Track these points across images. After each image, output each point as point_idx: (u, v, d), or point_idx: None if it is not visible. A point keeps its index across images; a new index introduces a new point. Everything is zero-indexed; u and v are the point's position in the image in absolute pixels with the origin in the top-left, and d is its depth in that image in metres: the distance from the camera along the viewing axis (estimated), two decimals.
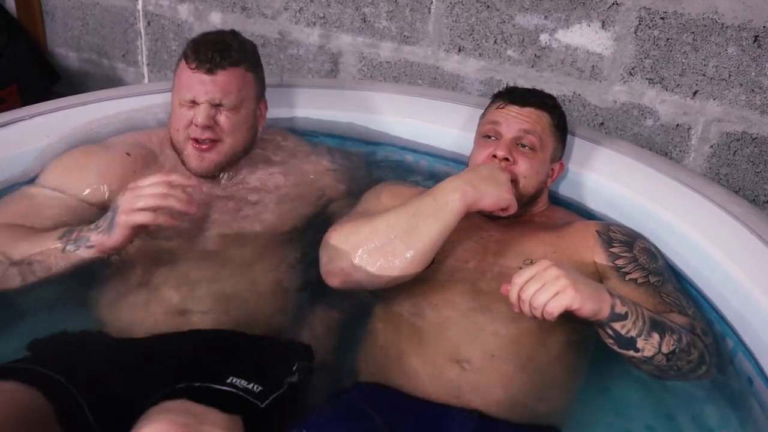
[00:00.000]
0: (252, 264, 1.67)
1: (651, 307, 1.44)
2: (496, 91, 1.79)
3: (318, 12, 2.51)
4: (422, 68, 2.47)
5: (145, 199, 1.41)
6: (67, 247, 1.46)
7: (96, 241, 1.45)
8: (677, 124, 2.23)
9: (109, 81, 2.97)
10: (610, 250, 1.57)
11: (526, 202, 1.66)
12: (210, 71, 1.62)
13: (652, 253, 1.62)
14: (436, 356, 1.43)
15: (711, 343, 1.44)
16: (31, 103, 2.01)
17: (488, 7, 2.30)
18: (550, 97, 1.76)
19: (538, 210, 1.73)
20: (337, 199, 1.87)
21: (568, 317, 1.34)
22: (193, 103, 1.64)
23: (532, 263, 1.48)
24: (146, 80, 2.93)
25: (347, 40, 2.52)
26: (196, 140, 1.66)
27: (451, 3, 2.34)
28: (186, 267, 1.60)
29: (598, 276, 1.56)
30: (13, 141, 1.81)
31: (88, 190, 1.65)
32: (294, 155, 1.89)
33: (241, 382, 1.26)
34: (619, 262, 1.56)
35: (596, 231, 1.62)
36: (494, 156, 1.61)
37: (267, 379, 1.29)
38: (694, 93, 2.17)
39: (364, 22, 2.47)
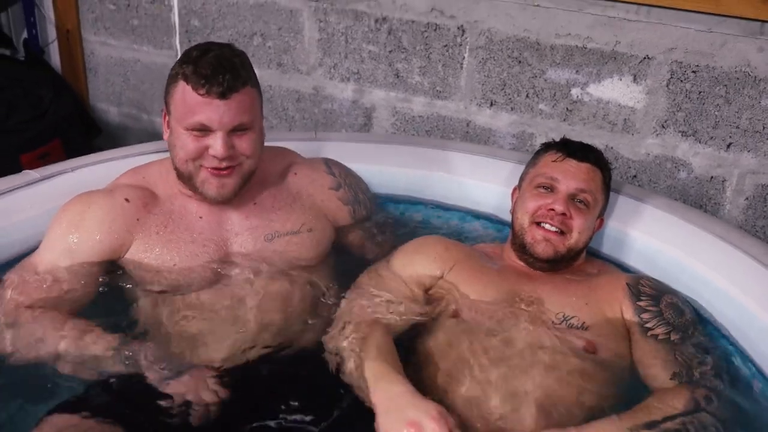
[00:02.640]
0: (285, 298, 1.67)
1: (660, 365, 1.50)
2: (544, 143, 1.81)
3: (352, 68, 2.56)
4: (454, 122, 2.50)
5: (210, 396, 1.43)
6: (117, 363, 1.46)
7: (148, 375, 1.45)
8: (711, 177, 2.23)
9: (149, 134, 3.04)
10: (638, 303, 1.60)
11: (572, 257, 1.69)
12: (223, 96, 1.52)
13: (679, 308, 1.63)
14: (463, 409, 1.43)
15: (717, 407, 1.41)
16: (73, 157, 2.06)
17: (520, 62, 2.33)
18: (602, 153, 1.78)
19: (576, 264, 1.74)
20: (345, 226, 1.86)
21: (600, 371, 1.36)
22: (206, 131, 1.56)
23: (564, 317, 1.56)
24: None
25: (380, 94, 2.57)
26: (213, 168, 1.59)
27: (483, 58, 2.37)
28: (225, 312, 1.62)
29: (625, 327, 1.59)
30: (57, 194, 1.86)
31: (96, 248, 1.62)
32: (295, 174, 1.83)
33: (292, 417, 1.31)
34: (645, 316, 1.59)
35: (626, 284, 1.64)
36: (551, 209, 1.64)
37: (316, 407, 1.33)
38: (728, 145, 2.17)
39: (397, 77, 2.51)
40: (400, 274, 1.68)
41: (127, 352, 1.46)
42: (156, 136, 3.04)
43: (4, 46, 2.96)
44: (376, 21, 2.46)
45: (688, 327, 1.59)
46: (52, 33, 3.06)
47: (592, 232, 1.72)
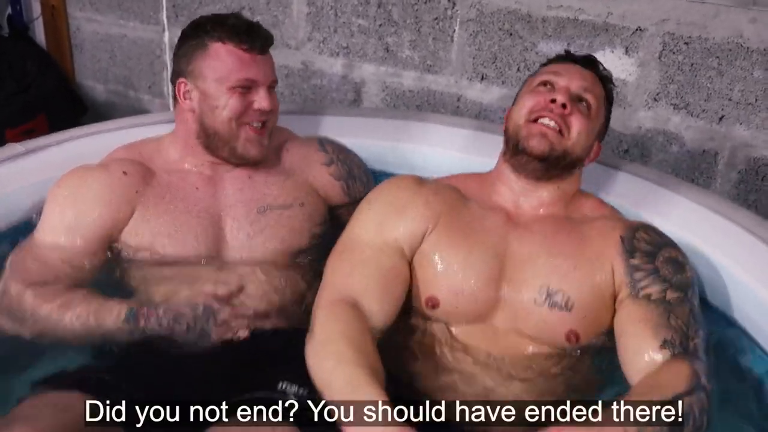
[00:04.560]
0: (279, 273, 1.66)
1: (651, 328, 1.34)
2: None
3: (341, 42, 2.54)
4: (445, 97, 2.48)
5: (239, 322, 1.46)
6: (135, 332, 1.45)
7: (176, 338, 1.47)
8: (703, 150, 2.22)
9: (135, 112, 3.01)
10: (631, 261, 1.45)
11: (567, 164, 1.50)
12: (262, 51, 1.63)
13: (679, 263, 1.47)
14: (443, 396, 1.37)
15: (713, 384, 1.31)
16: None
17: (511, 35, 2.31)
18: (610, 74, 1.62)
19: (568, 196, 1.55)
20: (339, 205, 1.85)
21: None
22: (248, 87, 1.61)
23: (548, 293, 1.43)
24: (172, 110, 2.97)
25: (370, 69, 2.54)
26: (255, 126, 1.63)
27: (473, 31, 2.35)
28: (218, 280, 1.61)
29: (614, 294, 1.45)
30: (42, 167, 1.84)
31: (97, 222, 1.62)
32: (288, 151, 1.84)
33: (291, 387, 1.29)
34: (637, 275, 1.43)
35: (620, 237, 1.47)
36: (552, 101, 1.46)
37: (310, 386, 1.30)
38: (720, 118, 2.16)
39: (387, 51, 2.49)
40: (375, 241, 1.47)
41: (140, 324, 1.46)
42: (142, 113, 3.02)
43: None
44: None
45: (688, 286, 1.43)
46: (36, 9, 3.02)
47: (590, 149, 1.54)
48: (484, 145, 2.05)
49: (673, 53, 2.14)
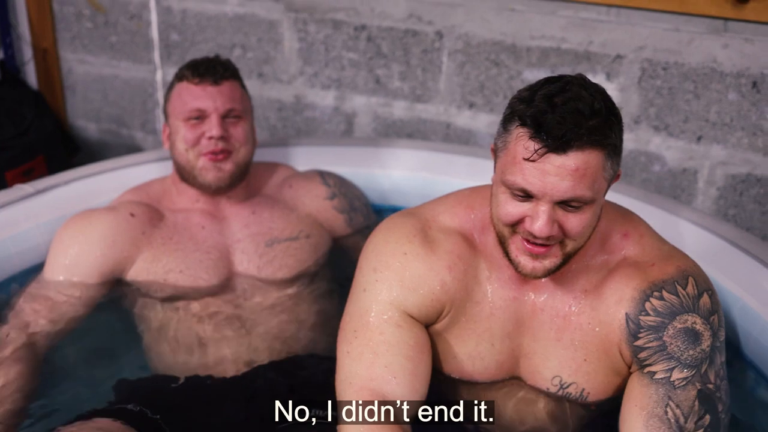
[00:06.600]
0: (287, 303, 1.73)
1: (644, 420, 1.26)
2: (515, 107, 1.25)
3: (333, 75, 2.62)
4: (435, 125, 2.56)
5: None
6: None
7: None
8: (684, 169, 2.32)
9: (128, 149, 3.05)
10: (635, 343, 1.32)
11: (576, 253, 1.30)
12: (215, 82, 1.72)
13: (694, 333, 1.29)
14: None
15: None
16: (56, 173, 2.08)
17: (497, 64, 2.41)
18: (601, 112, 1.20)
19: (584, 253, 1.35)
20: (342, 236, 1.93)
21: None
22: (201, 117, 1.70)
23: (561, 384, 1.37)
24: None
25: (361, 100, 2.62)
26: (211, 153, 1.71)
27: (461, 62, 2.45)
28: (232, 317, 1.66)
29: (626, 365, 1.36)
30: (50, 207, 1.88)
31: (99, 260, 1.67)
32: (291, 186, 1.92)
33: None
34: (642, 354, 1.31)
35: (625, 315, 1.32)
36: (531, 232, 1.23)
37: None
38: (699, 138, 2.27)
39: (378, 83, 2.58)
40: (390, 317, 1.31)
41: None
42: (135, 150, 3.06)
43: None
44: (356, 29, 2.52)
45: (702, 360, 1.29)
46: (28, 52, 3.06)
47: (598, 218, 1.29)
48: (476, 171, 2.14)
49: (652, 78, 2.25)
